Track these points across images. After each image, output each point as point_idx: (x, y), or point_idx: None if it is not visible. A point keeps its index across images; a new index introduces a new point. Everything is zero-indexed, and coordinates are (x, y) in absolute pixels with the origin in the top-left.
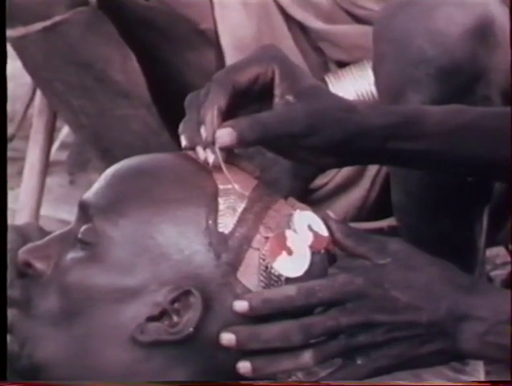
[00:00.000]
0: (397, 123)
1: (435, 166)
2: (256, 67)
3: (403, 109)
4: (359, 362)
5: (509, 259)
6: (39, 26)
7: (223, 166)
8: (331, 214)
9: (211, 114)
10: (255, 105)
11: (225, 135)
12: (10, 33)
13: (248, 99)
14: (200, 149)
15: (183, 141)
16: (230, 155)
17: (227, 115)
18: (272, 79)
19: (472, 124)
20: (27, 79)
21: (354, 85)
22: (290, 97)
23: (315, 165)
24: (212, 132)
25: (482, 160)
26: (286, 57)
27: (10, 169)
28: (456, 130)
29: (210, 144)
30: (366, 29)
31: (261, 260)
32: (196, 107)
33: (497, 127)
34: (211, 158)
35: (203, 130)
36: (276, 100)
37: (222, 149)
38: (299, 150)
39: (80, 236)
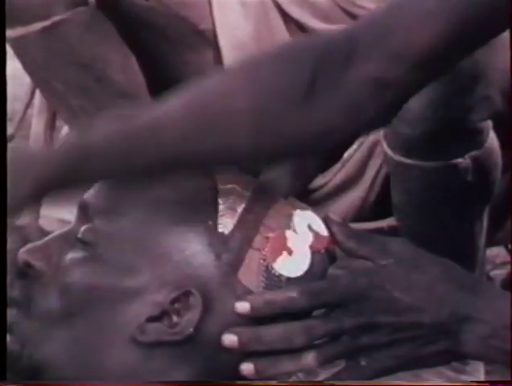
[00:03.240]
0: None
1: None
2: None
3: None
4: (363, 363)
5: (509, 259)
6: (38, 26)
7: None
8: (332, 216)
9: None
10: None
11: None
12: (9, 33)
13: None
14: None
15: None
16: None
17: None
18: None
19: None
20: (27, 79)
21: None
22: None
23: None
24: None
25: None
26: None
27: None
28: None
29: None
30: None
31: (261, 261)
32: None
33: None
34: None
35: None
36: None
37: None
38: None
39: (80, 235)
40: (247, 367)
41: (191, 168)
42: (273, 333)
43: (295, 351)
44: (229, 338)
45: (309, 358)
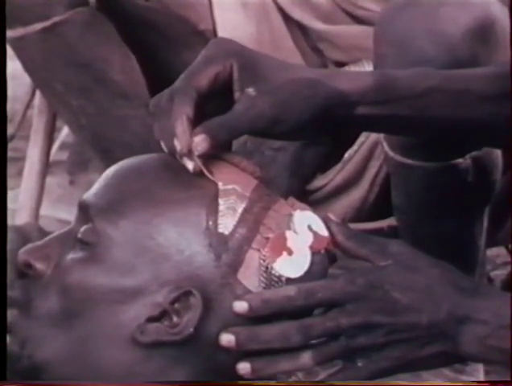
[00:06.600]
0: (365, 88)
1: (405, 130)
2: (214, 67)
3: (371, 74)
4: (359, 364)
5: (509, 259)
6: (38, 26)
7: (204, 170)
8: (332, 216)
9: (181, 125)
10: (217, 100)
11: (202, 142)
12: (9, 34)
13: (210, 97)
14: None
15: (164, 148)
16: (230, 155)
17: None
18: (231, 74)
19: (437, 87)
20: (27, 79)
21: None
22: (250, 90)
23: (293, 139)
24: (187, 143)
25: (449, 122)
26: (241, 48)
27: (10, 169)
28: (423, 94)
29: (186, 154)
30: (365, 29)
31: (261, 261)
32: (163, 114)
33: (462, 88)
34: (190, 166)
35: (177, 143)
36: (236, 95)
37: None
38: (271, 135)
39: (79, 236)
40: (244, 367)
41: (411, 131)
42: (270, 332)
43: (291, 351)
44: (227, 338)
45: (306, 357)
